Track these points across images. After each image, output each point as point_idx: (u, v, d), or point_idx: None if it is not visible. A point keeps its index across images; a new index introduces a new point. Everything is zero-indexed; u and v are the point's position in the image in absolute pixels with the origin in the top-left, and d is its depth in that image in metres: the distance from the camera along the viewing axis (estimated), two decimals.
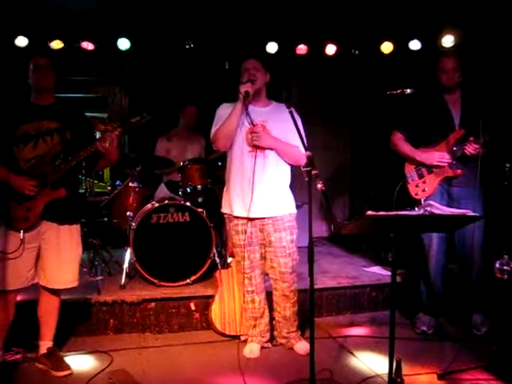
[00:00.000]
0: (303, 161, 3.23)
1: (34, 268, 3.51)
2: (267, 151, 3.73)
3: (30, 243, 3.43)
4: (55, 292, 3.61)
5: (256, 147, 3.70)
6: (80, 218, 3.72)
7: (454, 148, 4.06)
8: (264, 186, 3.69)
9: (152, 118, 3.67)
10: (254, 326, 3.95)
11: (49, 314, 3.64)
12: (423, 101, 4.29)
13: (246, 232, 3.76)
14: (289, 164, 3.83)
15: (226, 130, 3.70)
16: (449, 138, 4.10)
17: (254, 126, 3.70)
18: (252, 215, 3.72)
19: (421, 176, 4.21)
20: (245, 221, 3.75)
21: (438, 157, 4.10)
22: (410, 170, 4.28)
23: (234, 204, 3.78)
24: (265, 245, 3.84)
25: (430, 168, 4.16)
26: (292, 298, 3.89)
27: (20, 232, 3.37)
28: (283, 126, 3.63)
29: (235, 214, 3.78)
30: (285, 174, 3.84)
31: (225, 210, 3.89)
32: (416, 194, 4.20)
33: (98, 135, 5.53)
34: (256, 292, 3.91)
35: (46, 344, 3.63)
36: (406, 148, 4.27)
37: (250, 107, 3.72)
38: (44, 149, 3.45)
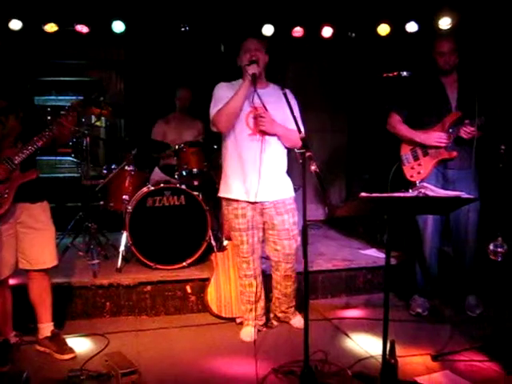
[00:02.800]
0: (300, 143, 3.23)
1: (15, 252, 3.49)
2: (267, 135, 3.71)
3: (7, 230, 3.41)
4: (43, 273, 3.60)
5: (258, 131, 3.68)
6: (47, 195, 3.64)
7: (450, 130, 4.06)
8: (265, 169, 3.68)
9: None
10: (251, 310, 3.96)
11: (42, 295, 3.63)
12: (420, 83, 4.28)
13: (246, 216, 3.76)
14: (286, 147, 3.82)
15: (230, 111, 3.64)
16: (445, 120, 4.10)
17: (255, 108, 3.67)
18: (257, 199, 3.70)
19: (416, 158, 4.21)
20: (245, 204, 3.75)
21: (437, 137, 4.10)
22: (405, 152, 4.27)
23: (235, 188, 3.76)
24: (265, 228, 3.84)
25: (426, 150, 4.16)
26: (293, 276, 3.94)
27: None
28: (282, 107, 3.57)
29: (236, 197, 3.76)
30: (284, 157, 3.85)
31: (223, 194, 3.87)
32: (411, 177, 4.20)
33: (93, 119, 5.56)
34: (254, 276, 3.92)
35: (46, 326, 3.64)
36: (404, 130, 4.26)
37: (250, 89, 3.67)
38: (2, 131, 3.35)
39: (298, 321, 3.99)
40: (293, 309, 4.05)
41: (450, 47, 4.09)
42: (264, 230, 3.86)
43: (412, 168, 4.21)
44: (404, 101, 4.33)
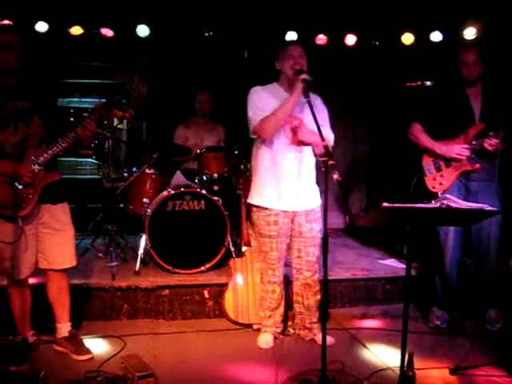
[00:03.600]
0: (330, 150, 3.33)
1: (36, 252, 3.52)
2: (303, 145, 3.68)
3: (29, 230, 3.43)
4: (62, 273, 3.63)
5: (296, 141, 3.64)
6: (68, 196, 3.66)
7: (474, 142, 4.02)
8: (302, 180, 3.69)
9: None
10: (270, 317, 3.95)
11: (60, 295, 3.66)
12: (444, 93, 4.25)
13: (278, 223, 3.73)
14: (315, 155, 3.77)
15: (278, 120, 3.53)
16: (468, 131, 4.06)
17: (291, 117, 3.61)
18: (289, 209, 3.69)
19: (438, 169, 4.18)
20: (278, 211, 3.72)
21: (457, 150, 4.06)
22: (427, 163, 4.24)
23: (270, 197, 3.72)
24: (292, 235, 3.82)
25: (449, 161, 4.12)
26: (314, 286, 3.89)
27: (18, 220, 3.34)
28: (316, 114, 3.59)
29: (271, 206, 3.71)
30: (314, 166, 3.82)
31: (255, 201, 3.81)
32: (433, 187, 4.16)
33: (115, 122, 5.59)
34: (278, 283, 3.90)
35: (64, 326, 3.67)
36: (425, 140, 4.22)
37: (286, 96, 3.62)
38: (25, 131, 3.35)
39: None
40: (316, 325, 3.94)
41: (475, 58, 4.05)
42: (291, 236, 3.83)
43: (434, 179, 4.18)
44: (427, 111, 4.30)
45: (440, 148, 4.14)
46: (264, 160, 3.76)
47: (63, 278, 3.66)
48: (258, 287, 4.11)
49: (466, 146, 4.04)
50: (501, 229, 4.09)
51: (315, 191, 3.84)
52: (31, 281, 3.70)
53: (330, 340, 3.74)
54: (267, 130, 3.58)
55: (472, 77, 4.07)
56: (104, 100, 3.66)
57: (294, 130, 3.62)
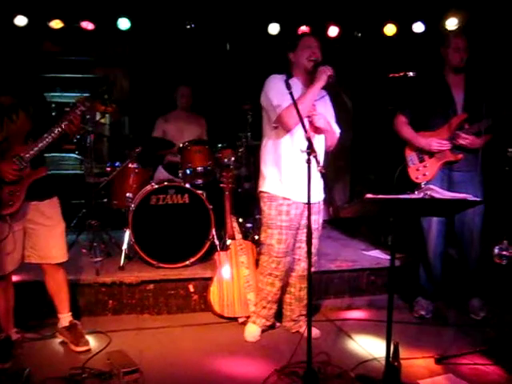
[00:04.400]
0: (336, 139, 3.68)
1: (21, 248, 3.50)
2: (316, 135, 3.66)
3: (16, 226, 3.40)
4: (55, 265, 3.62)
5: (312, 130, 3.62)
6: (57, 191, 3.65)
7: (456, 132, 4.04)
8: (316, 171, 3.64)
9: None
10: (264, 308, 3.91)
11: (58, 287, 3.69)
12: (425, 84, 4.26)
13: (289, 213, 3.68)
14: (327, 146, 3.80)
15: (301, 110, 3.39)
16: (451, 121, 4.08)
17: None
18: (303, 200, 3.57)
19: (422, 160, 4.19)
20: (291, 202, 3.67)
21: (436, 144, 4.09)
22: (410, 154, 4.26)
23: (288, 187, 3.66)
24: (298, 227, 3.77)
25: (431, 152, 4.14)
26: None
27: (6, 218, 3.32)
28: (323, 106, 3.65)
29: (288, 196, 3.66)
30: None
31: (270, 189, 3.73)
32: (416, 178, 4.18)
33: (98, 116, 5.54)
34: (279, 278, 3.83)
35: (64, 317, 3.71)
36: (407, 132, 4.25)
37: (303, 88, 3.64)
38: (13, 128, 3.33)
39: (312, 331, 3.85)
40: (303, 317, 3.92)
41: (465, 44, 4.07)
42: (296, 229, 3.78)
43: (417, 170, 4.19)
44: (409, 102, 4.31)
45: (420, 142, 4.16)
46: (282, 148, 3.67)
47: (58, 271, 3.66)
48: (244, 280, 4.10)
49: (445, 140, 4.06)
50: (483, 219, 4.12)
51: (322, 184, 3.75)
52: (14, 278, 3.69)
53: (316, 333, 3.75)
54: (292, 120, 3.49)
55: (463, 63, 4.07)
56: (86, 94, 3.60)
57: (310, 117, 3.60)
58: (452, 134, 4.05)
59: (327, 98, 3.82)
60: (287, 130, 3.61)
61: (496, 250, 3.43)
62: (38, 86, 3.69)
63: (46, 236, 3.52)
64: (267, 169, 3.79)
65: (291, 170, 3.65)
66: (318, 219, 3.74)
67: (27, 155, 3.31)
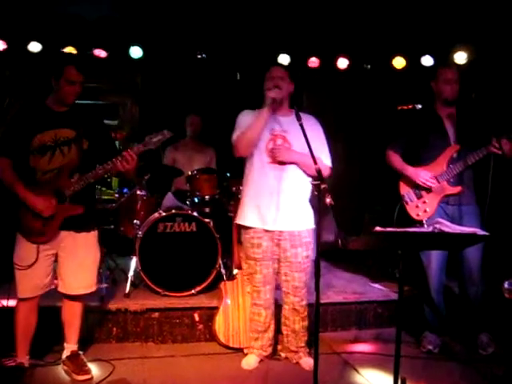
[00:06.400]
0: (326, 172, 3.54)
1: (51, 273, 3.51)
2: (287, 164, 3.69)
3: (47, 250, 3.41)
4: (76, 298, 3.62)
5: (276, 160, 3.67)
6: (97, 225, 3.67)
7: (451, 165, 4.01)
8: (284, 198, 3.66)
9: (162, 127, 3.62)
10: (257, 339, 3.92)
11: (72, 318, 3.67)
12: (418, 117, 4.26)
13: (261, 246, 3.73)
14: (309, 176, 3.73)
15: (250, 135, 3.63)
16: (444, 153, 4.04)
17: (275, 136, 3.68)
18: (274, 228, 3.68)
19: (419, 196, 4.11)
20: (261, 234, 3.71)
21: (423, 177, 4.03)
22: (406, 191, 4.17)
23: (250, 215, 3.73)
24: (279, 260, 3.79)
25: (428, 188, 4.09)
26: (302, 312, 3.86)
27: (38, 245, 3.35)
28: (299, 138, 3.55)
29: (251, 225, 3.73)
30: (304, 187, 3.75)
31: (240, 221, 3.83)
32: (417, 215, 4.08)
33: None
34: (264, 307, 3.86)
35: (69, 347, 3.68)
36: (396, 161, 4.19)
37: (272, 116, 3.69)
38: (61, 161, 3.38)
39: (308, 362, 3.77)
40: (303, 349, 3.91)
41: (456, 76, 4.05)
42: (278, 261, 3.81)
43: (417, 207, 4.11)
44: (400, 136, 4.27)
45: (408, 171, 4.11)
46: (248, 179, 3.80)
47: (78, 304, 3.66)
48: (249, 310, 4.07)
49: (432, 177, 4.01)
50: (482, 252, 4.04)
51: (303, 212, 3.77)
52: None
53: (310, 364, 3.68)
54: (241, 145, 3.67)
55: (454, 95, 4.04)
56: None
57: (272, 151, 3.65)
58: (447, 166, 4.03)
59: (311, 124, 3.72)
60: (238, 155, 3.74)
61: (506, 285, 3.39)
62: (99, 118, 3.74)
63: (74, 266, 3.51)
64: (242, 200, 3.88)
65: (254, 199, 3.73)
66: (300, 252, 3.74)
67: (69, 191, 3.35)
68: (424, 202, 4.10)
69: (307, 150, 3.46)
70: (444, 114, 4.13)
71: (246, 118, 3.75)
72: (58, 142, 3.38)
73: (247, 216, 3.77)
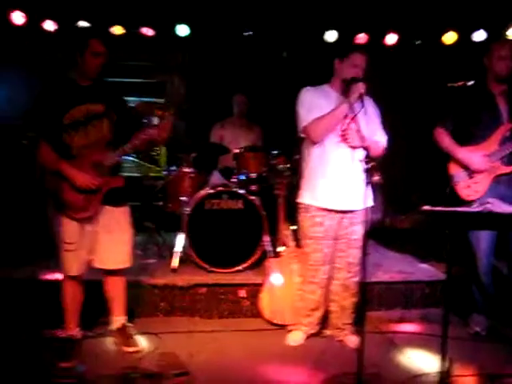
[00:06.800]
0: (380, 151, 3.60)
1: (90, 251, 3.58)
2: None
3: (89, 227, 3.50)
4: (115, 273, 3.69)
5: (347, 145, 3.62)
6: (131, 199, 3.75)
7: (504, 144, 3.90)
8: (350, 178, 3.61)
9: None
10: (307, 316, 3.92)
11: (115, 293, 3.75)
12: (469, 94, 4.14)
13: (323, 224, 3.70)
14: (373, 157, 3.61)
15: (328, 125, 3.55)
16: (497, 132, 3.93)
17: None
18: (343, 208, 3.65)
19: (471, 176, 4.00)
20: (324, 212, 3.68)
21: (477, 164, 3.93)
22: (456, 171, 4.06)
23: (321, 195, 3.68)
24: (336, 237, 3.77)
25: None
26: (353, 288, 3.84)
27: (80, 221, 3.43)
28: (367, 118, 3.54)
29: (321, 205, 3.68)
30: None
31: (306, 200, 3.77)
32: (468, 196, 3.97)
33: (155, 120, 5.63)
34: (320, 285, 3.83)
35: (117, 320, 3.77)
36: (447, 143, 4.08)
37: (338, 96, 3.65)
38: (95, 135, 3.43)
39: (353, 340, 3.80)
40: (349, 326, 3.92)
41: (510, 52, 3.91)
42: (335, 238, 3.78)
43: (468, 187, 4.00)
44: (450, 113, 4.16)
45: (459, 154, 4.01)
46: (314, 158, 3.71)
47: (118, 277, 3.72)
48: (295, 288, 4.09)
49: (488, 160, 3.91)
50: None
51: (363, 191, 3.74)
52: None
53: (355, 341, 3.71)
54: (318, 132, 3.59)
55: (507, 72, 3.91)
56: (145, 99, 3.68)
57: (344, 135, 3.59)
58: (499, 145, 3.92)
59: (371, 107, 3.72)
60: (313, 143, 3.65)
61: None
62: (122, 93, 3.79)
63: (111, 241, 3.57)
64: (303, 179, 3.84)
65: (324, 178, 3.67)
66: (359, 230, 3.72)
67: (108, 164, 3.42)
68: (475, 183, 3.99)
69: (371, 131, 3.55)
70: (497, 91, 4.00)
71: (313, 98, 3.65)
72: (89, 117, 3.41)
73: (315, 196, 3.70)
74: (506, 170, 3.93)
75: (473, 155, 3.97)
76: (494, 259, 4.18)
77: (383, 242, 5.98)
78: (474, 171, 3.99)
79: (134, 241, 5.16)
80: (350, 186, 3.61)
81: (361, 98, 3.42)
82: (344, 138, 3.59)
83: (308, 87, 3.73)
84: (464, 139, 4.06)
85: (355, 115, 3.42)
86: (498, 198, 3.74)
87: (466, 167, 4.02)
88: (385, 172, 6.58)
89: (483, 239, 4.00)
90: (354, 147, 3.60)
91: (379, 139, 3.68)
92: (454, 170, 4.09)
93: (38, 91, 3.46)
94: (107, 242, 3.56)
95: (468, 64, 5.74)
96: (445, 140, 4.11)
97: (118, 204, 3.57)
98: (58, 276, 3.77)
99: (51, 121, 3.37)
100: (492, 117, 3.98)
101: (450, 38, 6.06)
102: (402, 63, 6.68)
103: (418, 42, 6.33)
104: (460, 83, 5.23)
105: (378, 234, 6.01)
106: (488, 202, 2.75)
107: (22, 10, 5.72)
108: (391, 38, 6.17)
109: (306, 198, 3.78)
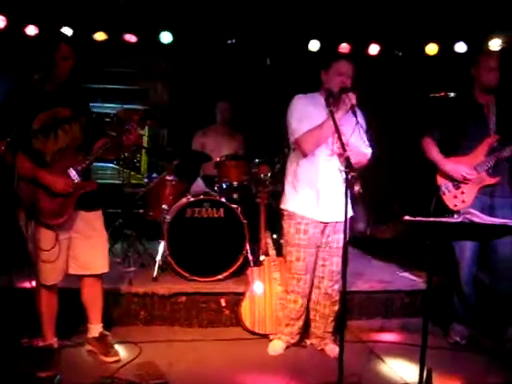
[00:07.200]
0: (365, 160, 3.60)
1: (66, 258, 3.52)
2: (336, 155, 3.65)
3: (63, 235, 3.44)
4: (95, 278, 3.64)
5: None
6: (103, 204, 3.69)
7: (490, 155, 3.94)
8: (335, 188, 3.61)
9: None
10: (287, 325, 3.92)
11: (93, 299, 3.70)
12: (457, 104, 4.18)
13: (307, 232, 3.69)
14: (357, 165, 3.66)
15: (321, 139, 3.54)
16: (484, 143, 3.97)
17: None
18: (323, 219, 3.66)
19: (457, 187, 4.05)
20: (308, 220, 3.68)
21: (462, 173, 3.96)
22: (444, 181, 4.11)
23: (306, 205, 3.68)
24: (319, 246, 3.77)
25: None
26: (334, 296, 3.84)
27: (54, 228, 3.37)
28: (350, 129, 3.51)
29: (306, 215, 3.68)
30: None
31: (289, 207, 3.77)
32: (455, 206, 4.02)
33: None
34: (301, 295, 3.83)
35: (95, 327, 3.72)
36: (434, 155, 4.11)
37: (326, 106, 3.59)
38: (66, 139, 3.38)
39: (333, 350, 3.81)
40: (330, 335, 3.92)
41: (498, 64, 3.96)
42: (318, 247, 3.78)
43: (455, 197, 4.05)
44: (438, 123, 4.19)
45: (446, 166, 4.04)
46: (303, 168, 3.70)
47: (96, 283, 3.68)
48: (276, 297, 4.07)
49: (472, 171, 3.95)
50: None
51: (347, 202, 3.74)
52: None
53: (334, 351, 3.70)
54: (309, 145, 3.58)
55: (495, 83, 3.96)
56: (126, 106, 3.67)
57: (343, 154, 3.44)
58: (485, 157, 3.96)
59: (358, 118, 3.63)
60: (303, 155, 3.64)
61: None
62: (90, 97, 3.74)
63: (89, 246, 3.54)
64: (288, 186, 3.83)
65: (310, 189, 3.67)
66: (342, 238, 3.68)
67: (79, 168, 3.37)
68: (462, 193, 4.03)
69: (356, 141, 3.51)
70: (484, 102, 4.04)
71: (302, 106, 3.64)
72: (58, 121, 3.36)
73: (301, 204, 3.70)
74: (492, 181, 3.97)
75: (459, 167, 4.00)
76: (476, 269, 4.21)
77: (368, 252, 6.00)
78: (460, 182, 4.03)
79: (115, 249, 5.20)
80: (337, 198, 3.59)
81: (353, 109, 3.39)
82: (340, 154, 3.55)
83: (300, 95, 3.72)
84: (451, 149, 4.10)
85: (353, 130, 3.40)
86: (480, 208, 3.82)
87: (453, 178, 4.06)
88: (367, 182, 6.65)
89: (467, 248, 4.04)
90: (340, 155, 3.57)
91: (365, 150, 3.68)
92: (441, 180, 4.14)
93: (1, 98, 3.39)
94: (85, 247, 3.53)
95: (450, 75, 5.81)
96: (432, 151, 4.14)
97: (91, 209, 3.54)
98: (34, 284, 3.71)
99: (19, 126, 3.22)
100: (479, 128, 4.01)
101: (431, 49, 6.11)
102: (384, 73, 6.73)
103: (400, 54, 6.38)
104: (442, 93, 5.27)
105: (363, 243, 6.03)
106: (468, 212, 2.76)
107: (2, 14, 5.66)
108: (373, 49, 6.21)
109: (290, 205, 3.78)
